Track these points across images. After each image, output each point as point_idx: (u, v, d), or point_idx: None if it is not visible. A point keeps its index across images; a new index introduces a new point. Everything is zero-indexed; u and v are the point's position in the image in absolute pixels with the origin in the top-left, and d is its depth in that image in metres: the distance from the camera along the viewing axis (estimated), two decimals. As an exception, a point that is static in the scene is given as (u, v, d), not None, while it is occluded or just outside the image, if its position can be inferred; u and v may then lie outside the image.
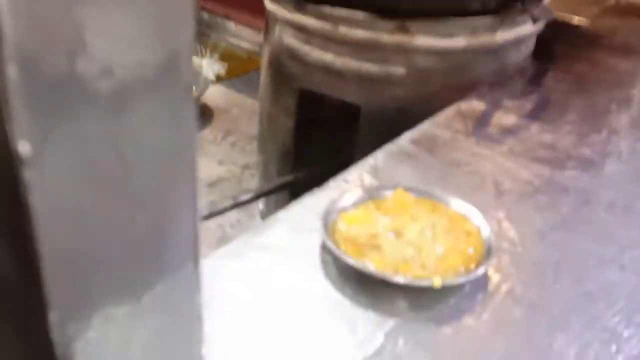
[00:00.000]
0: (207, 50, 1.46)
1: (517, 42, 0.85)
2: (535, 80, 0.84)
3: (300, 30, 0.85)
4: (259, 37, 1.56)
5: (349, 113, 0.93)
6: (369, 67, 0.83)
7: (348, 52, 0.83)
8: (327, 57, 0.84)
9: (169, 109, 0.28)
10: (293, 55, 0.88)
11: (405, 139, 0.68)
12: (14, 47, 0.21)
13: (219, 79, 1.46)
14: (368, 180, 0.61)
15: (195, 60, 1.44)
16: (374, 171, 0.63)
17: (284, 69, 0.90)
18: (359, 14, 0.79)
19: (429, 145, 0.67)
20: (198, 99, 1.28)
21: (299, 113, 0.91)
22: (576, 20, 1.01)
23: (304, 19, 0.83)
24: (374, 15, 0.79)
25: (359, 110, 0.86)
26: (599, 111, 0.75)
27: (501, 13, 0.80)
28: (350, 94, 0.86)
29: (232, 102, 1.36)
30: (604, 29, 0.98)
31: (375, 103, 0.85)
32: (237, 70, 1.49)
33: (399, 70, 0.82)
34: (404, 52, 0.81)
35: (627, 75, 0.83)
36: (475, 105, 0.76)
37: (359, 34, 0.80)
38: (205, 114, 1.30)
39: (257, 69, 1.47)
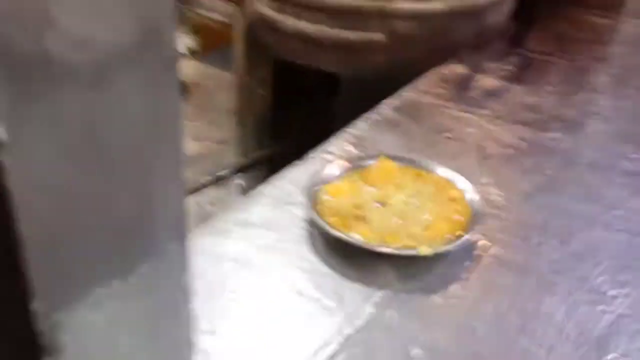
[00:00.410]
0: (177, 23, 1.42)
1: (497, 3, 0.84)
2: (515, 41, 0.83)
3: (275, -2, 0.83)
4: (231, 9, 1.52)
5: (326, 82, 0.91)
6: (348, 35, 0.81)
7: (324, 19, 0.81)
8: (303, 25, 0.82)
9: (151, 84, 0.26)
10: (267, 24, 0.86)
11: (386, 106, 0.67)
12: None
13: (193, 53, 1.43)
14: (350, 150, 0.60)
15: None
16: (357, 140, 0.61)
17: (258, 39, 0.88)
18: (334, -20, 0.77)
19: (412, 111, 0.66)
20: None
21: (276, 84, 0.89)
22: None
23: (278, -14, 0.81)
24: (350, -21, 0.77)
25: (338, 79, 0.84)
26: (580, 70, 0.74)
27: (479, -26, 0.78)
28: (328, 63, 0.84)
29: (207, 76, 1.33)
30: (582, -13, 0.97)
31: (355, 71, 0.83)
32: (211, 43, 1.46)
33: (378, 36, 0.80)
34: (384, 17, 0.79)
35: (606, 32, 0.83)
36: (456, 69, 0.75)
37: (336, 0, 0.78)
38: (181, 90, 1.27)
39: (232, 42, 1.44)
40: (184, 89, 1.30)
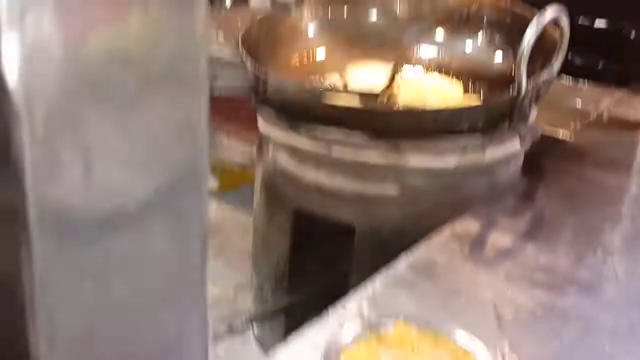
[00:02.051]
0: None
1: (506, 159, 0.87)
2: (526, 197, 0.85)
3: (294, 151, 0.87)
4: (250, 150, 1.58)
5: (343, 230, 0.93)
6: (363, 188, 0.84)
7: (341, 172, 0.84)
8: (321, 178, 0.85)
9: (181, 227, 0.27)
10: (287, 176, 0.89)
11: (402, 265, 0.68)
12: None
13: (210, 193, 1.46)
14: (367, 309, 0.60)
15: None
16: (373, 300, 0.62)
17: (278, 190, 0.91)
18: (351, 136, 0.81)
19: (427, 270, 0.67)
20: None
21: (294, 233, 0.91)
22: (561, 134, 1.04)
23: (298, 141, 0.84)
24: (367, 136, 0.81)
25: (354, 230, 0.86)
26: (593, 230, 0.75)
27: (489, 132, 0.82)
28: (345, 214, 0.86)
29: (224, 217, 1.36)
30: (589, 143, 1.01)
31: (370, 223, 0.85)
32: (229, 184, 1.50)
33: (392, 190, 0.83)
34: (397, 172, 0.82)
35: (616, 191, 0.85)
36: (469, 225, 0.76)
37: (352, 155, 0.82)
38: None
39: (249, 182, 1.48)
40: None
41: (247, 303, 1.02)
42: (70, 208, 0.23)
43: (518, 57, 0.76)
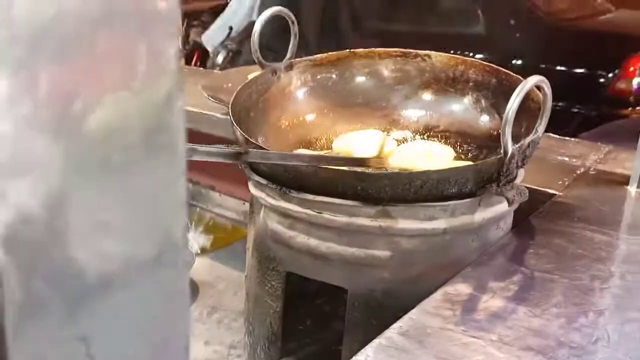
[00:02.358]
0: (193, 223, 1.48)
1: (496, 220, 0.88)
2: (516, 257, 0.86)
3: (285, 216, 0.87)
4: (243, 207, 1.59)
5: (335, 290, 0.93)
6: (354, 252, 0.84)
7: (332, 237, 0.85)
8: (312, 242, 0.86)
9: (163, 291, 0.27)
10: (278, 239, 0.89)
11: (394, 331, 0.68)
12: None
13: (203, 251, 1.47)
14: (360, 380, 0.60)
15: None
16: (366, 369, 0.62)
17: (269, 253, 0.91)
18: (341, 202, 0.82)
19: (420, 336, 0.67)
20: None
21: (286, 295, 0.91)
22: (549, 191, 1.06)
23: (288, 206, 0.85)
24: (357, 202, 0.82)
25: (346, 292, 0.86)
26: (582, 290, 0.76)
27: (478, 195, 0.83)
28: (336, 278, 0.87)
29: (217, 275, 1.36)
30: (577, 199, 1.03)
31: (362, 286, 0.85)
32: (222, 241, 1.51)
33: (383, 253, 0.84)
34: (387, 235, 0.83)
35: (605, 249, 0.86)
36: (461, 288, 0.77)
37: (343, 220, 0.83)
38: (191, 290, 1.29)
39: (242, 239, 1.48)
40: (195, 288, 1.32)
41: (240, 366, 1.01)
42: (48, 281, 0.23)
43: (503, 122, 0.78)
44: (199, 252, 1.45)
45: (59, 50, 0.21)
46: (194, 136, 1.34)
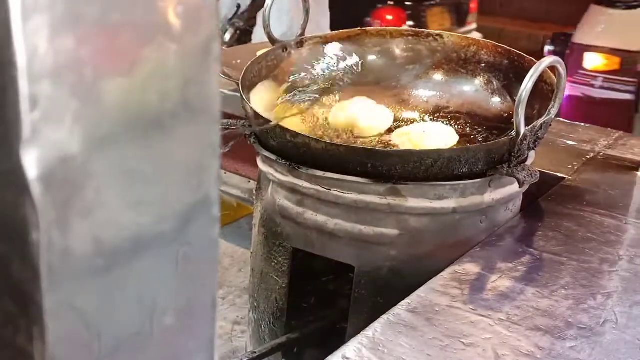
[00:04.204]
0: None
1: (505, 201, 0.88)
2: (525, 239, 0.86)
3: (293, 192, 0.87)
4: (248, 185, 1.58)
5: (341, 268, 0.93)
6: (362, 229, 0.84)
7: (341, 214, 0.84)
8: (320, 218, 0.86)
9: (189, 262, 0.27)
10: (286, 215, 0.89)
11: (402, 308, 0.68)
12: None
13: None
14: (368, 355, 0.60)
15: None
16: (373, 345, 0.62)
17: (276, 229, 0.91)
18: (351, 179, 0.82)
19: (427, 314, 0.67)
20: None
21: (292, 272, 0.91)
22: (559, 175, 1.05)
23: (297, 182, 0.85)
24: (366, 179, 0.81)
25: (353, 269, 0.86)
26: (591, 273, 0.75)
27: (488, 176, 0.83)
28: (344, 255, 0.87)
29: (221, 252, 1.36)
30: (586, 183, 1.02)
31: (369, 264, 0.85)
32: (227, 218, 1.50)
33: (392, 231, 0.84)
34: (396, 214, 0.83)
35: (614, 233, 0.85)
36: (469, 268, 0.76)
37: (352, 197, 0.82)
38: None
39: (247, 216, 1.48)
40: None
41: (243, 339, 1.01)
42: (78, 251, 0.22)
43: (516, 102, 0.77)
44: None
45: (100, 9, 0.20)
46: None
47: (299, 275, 0.94)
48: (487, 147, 0.84)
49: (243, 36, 2.54)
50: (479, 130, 1.02)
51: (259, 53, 1.11)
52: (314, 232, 0.87)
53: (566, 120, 1.28)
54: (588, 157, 1.12)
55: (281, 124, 0.85)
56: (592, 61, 2.96)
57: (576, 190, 1.00)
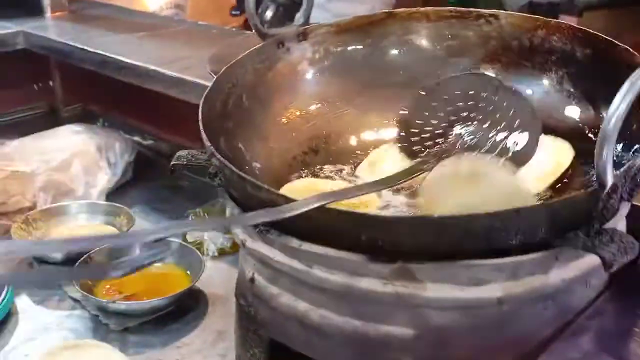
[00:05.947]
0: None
1: (582, 277, 0.58)
2: (614, 333, 0.56)
3: (264, 264, 0.61)
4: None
5: None
6: (359, 326, 0.57)
7: (327, 302, 0.57)
8: (301, 305, 0.59)
9: None
10: (258, 294, 0.63)
11: None
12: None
13: (222, 253, 1.23)
14: None
15: (196, 233, 1.23)
16: None
17: (249, 309, 0.65)
18: (340, 253, 0.54)
19: None
20: (192, 285, 1.05)
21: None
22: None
23: (268, 252, 0.59)
24: (363, 254, 0.54)
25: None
26: None
27: (555, 247, 0.53)
28: (336, 359, 0.60)
29: (232, 286, 1.11)
30: None
31: (371, 376, 0.58)
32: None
33: (403, 331, 0.56)
34: (410, 307, 0.55)
35: None
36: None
37: (340, 280, 0.55)
38: (200, 306, 1.07)
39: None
40: (203, 304, 1.08)
41: None
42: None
43: (599, 138, 0.47)
44: (216, 254, 1.21)
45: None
46: (185, 107, 1.08)
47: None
48: (553, 204, 0.54)
49: (287, 13, 2.25)
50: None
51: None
52: (294, 323, 0.60)
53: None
54: None
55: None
56: None
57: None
